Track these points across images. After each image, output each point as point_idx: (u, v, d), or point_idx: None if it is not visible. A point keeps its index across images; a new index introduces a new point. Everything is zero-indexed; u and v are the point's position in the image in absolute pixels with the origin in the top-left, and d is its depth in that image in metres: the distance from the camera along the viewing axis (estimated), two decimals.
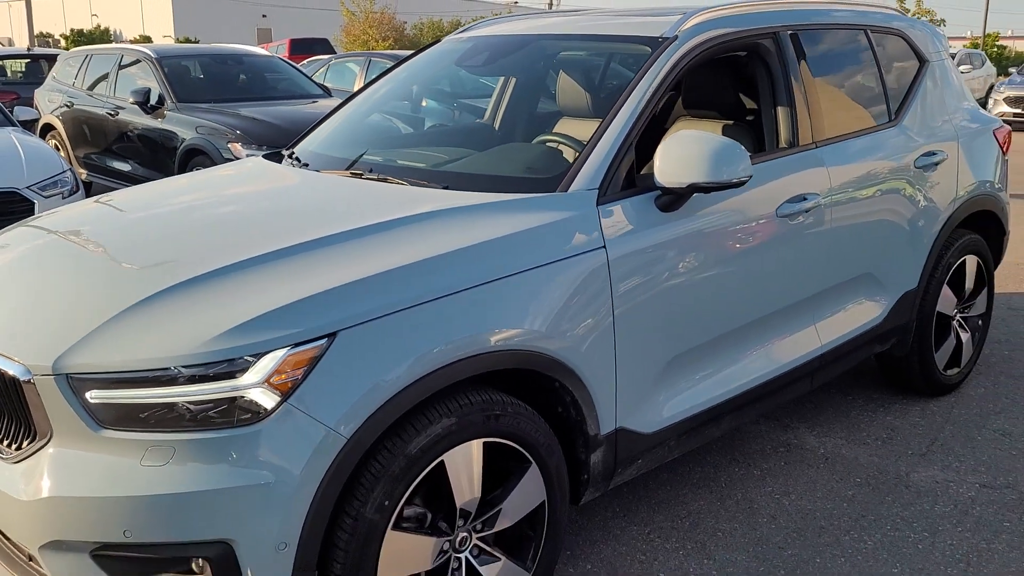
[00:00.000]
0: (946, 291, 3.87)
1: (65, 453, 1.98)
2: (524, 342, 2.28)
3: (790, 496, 3.18)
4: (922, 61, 3.90)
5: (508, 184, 2.68)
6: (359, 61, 12.42)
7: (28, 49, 16.98)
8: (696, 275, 2.72)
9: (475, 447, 2.22)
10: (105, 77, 8.76)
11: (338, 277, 2.12)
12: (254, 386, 1.92)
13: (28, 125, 7.38)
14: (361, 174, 2.91)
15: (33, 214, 5.05)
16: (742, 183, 2.58)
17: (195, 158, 7.13)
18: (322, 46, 24.24)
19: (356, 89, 4.36)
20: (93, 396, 1.95)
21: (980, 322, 4.17)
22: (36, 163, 5.66)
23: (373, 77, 3.98)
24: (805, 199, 3.07)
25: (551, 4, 51.38)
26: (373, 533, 2.05)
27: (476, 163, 3.14)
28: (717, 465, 3.40)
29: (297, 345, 1.96)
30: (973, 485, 3.26)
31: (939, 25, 38.35)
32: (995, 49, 42.50)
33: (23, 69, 15.28)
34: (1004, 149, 4.21)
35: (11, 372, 2.03)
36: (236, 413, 1.93)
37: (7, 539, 2.17)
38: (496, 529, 2.34)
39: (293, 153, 3.34)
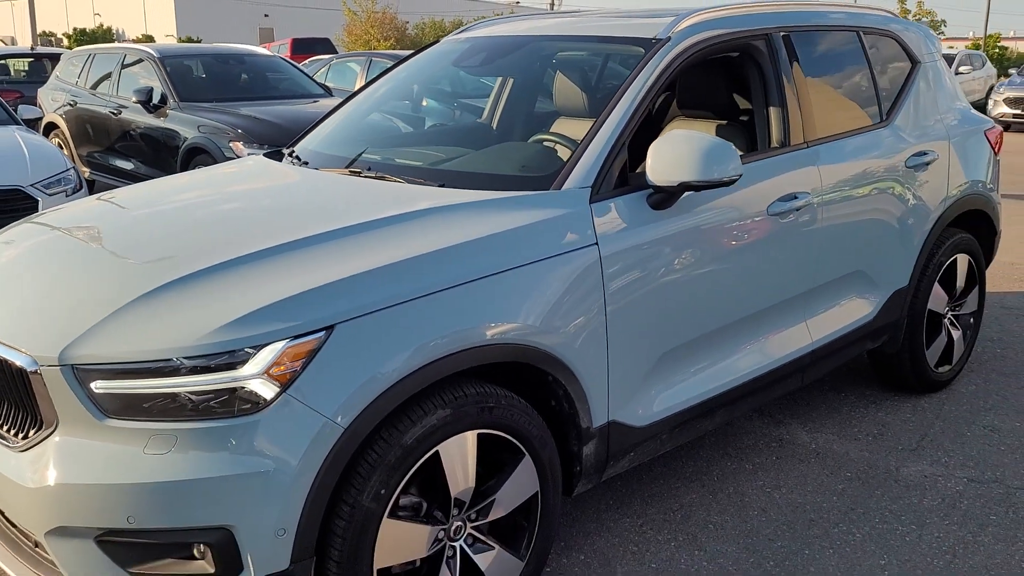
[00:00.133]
0: (937, 289, 3.92)
1: (70, 442, 2.04)
2: (518, 336, 2.33)
3: (781, 490, 3.24)
4: (914, 63, 3.95)
5: (503, 182, 2.74)
6: (360, 61, 12.47)
7: (31, 48, 17.03)
8: (687, 272, 2.78)
9: (469, 438, 2.28)
10: (108, 76, 8.82)
11: (336, 272, 2.18)
12: (254, 377, 1.98)
13: (32, 123, 7.42)
14: (360, 172, 2.97)
15: (37, 211, 5.11)
16: (732, 182, 2.63)
17: (197, 157, 7.19)
18: (324, 46, 24.29)
19: (356, 89, 4.41)
20: (98, 386, 2.01)
21: (972, 320, 4.22)
22: (40, 161, 5.71)
23: (373, 77, 4.04)
24: (796, 198, 3.13)
25: (552, 4, 51.41)
26: (369, 521, 2.10)
27: (472, 162, 3.20)
28: (710, 459, 3.46)
29: (296, 338, 2.01)
30: (961, 480, 3.32)
31: (940, 26, 38.36)
32: (996, 50, 42.46)
33: (26, 68, 15.34)
34: (996, 150, 4.26)
35: (18, 363, 2.09)
36: (236, 403, 1.98)
37: (13, 526, 2.23)
38: (490, 519, 2.39)
39: (293, 152, 3.40)
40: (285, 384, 1.99)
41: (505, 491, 2.40)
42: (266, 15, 55.78)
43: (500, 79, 3.97)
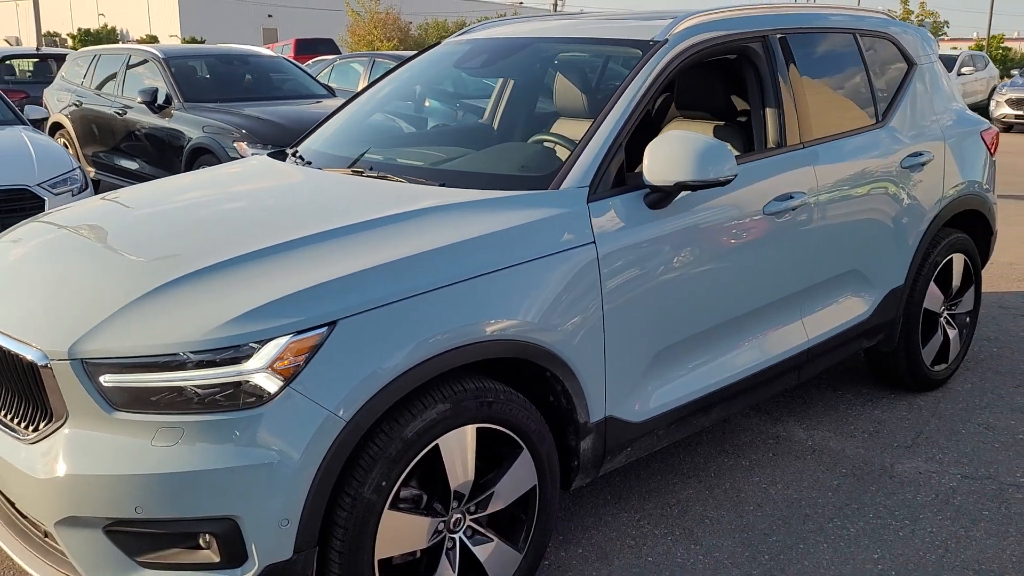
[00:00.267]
0: (933, 288, 3.96)
1: (80, 434, 2.09)
2: (517, 333, 2.38)
3: (777, 486, 3.28)
4: (911, 64, 3.99)
5: (502, 182, 2.78)
6: (363, 61, 12.51)
7: (37, 49, 17.13)
8: (684, 270, 2.82)
9: (469, 432, 2.33)
10: (113, 77, 8.88)
11: (339, 269, 2.23)
12: (258, 371, 2.03)
13: (38, 123, 7.48)
14: (362, 172, 3.02)
15: (43, 211, 5.16)
16: (727, 182, 2.68)
17: (201, 157, 7.25)
18: (327, 46, 24.33)
19: (359, 89, 4.46)
20: (107, 380, 2.06)
21: (968, 319, 4.26)
22: (46, 161, 5.75)
23: (376, 78, 4.09)
24: (792, 197, 3.17)
25: (555, 5, 51.43)
26: (371, 512, 2.15)
27: (473, 162, 3.25)
28: (707, 456, 3.50)
29: (299, 333, 2.06)
30: (955, 476, 3.36)
31: (943, 27, 38.35)
32: (1000, 51, 42.41)
33: (32, 68, 15.44)
34: (992, 151, 4.31)
35: (29, 357, 2.14)
36: (241, 397, 2.03)
37: (24, 516, 2.28)
38: (489, 511, 2.45)
39: (297, 152, 3.45)
40: (289, 378, 2.04)
41: (504, 484, 2.44)
42: (270, 16, 55.88)
43: (501, 80, 4.02)
